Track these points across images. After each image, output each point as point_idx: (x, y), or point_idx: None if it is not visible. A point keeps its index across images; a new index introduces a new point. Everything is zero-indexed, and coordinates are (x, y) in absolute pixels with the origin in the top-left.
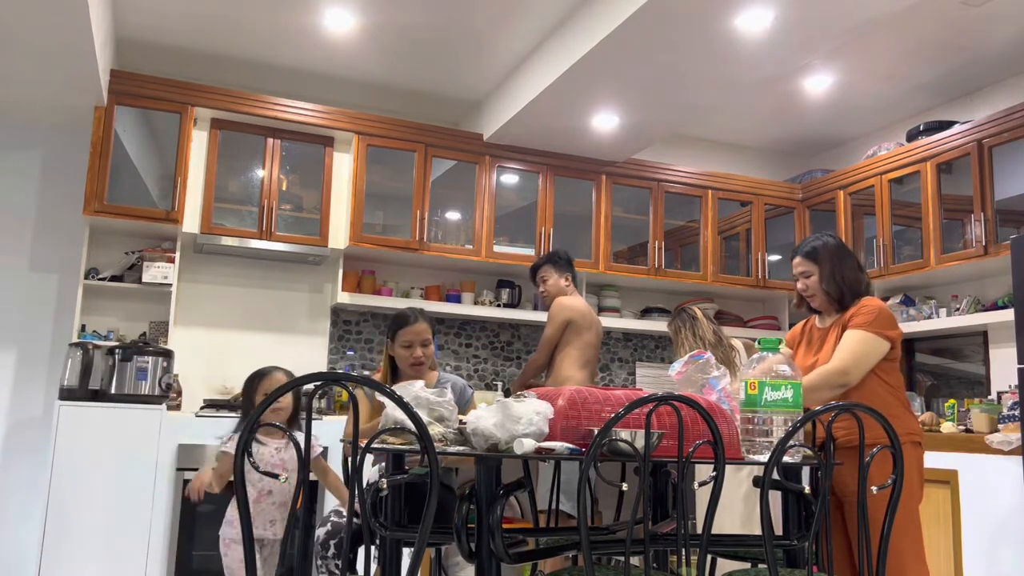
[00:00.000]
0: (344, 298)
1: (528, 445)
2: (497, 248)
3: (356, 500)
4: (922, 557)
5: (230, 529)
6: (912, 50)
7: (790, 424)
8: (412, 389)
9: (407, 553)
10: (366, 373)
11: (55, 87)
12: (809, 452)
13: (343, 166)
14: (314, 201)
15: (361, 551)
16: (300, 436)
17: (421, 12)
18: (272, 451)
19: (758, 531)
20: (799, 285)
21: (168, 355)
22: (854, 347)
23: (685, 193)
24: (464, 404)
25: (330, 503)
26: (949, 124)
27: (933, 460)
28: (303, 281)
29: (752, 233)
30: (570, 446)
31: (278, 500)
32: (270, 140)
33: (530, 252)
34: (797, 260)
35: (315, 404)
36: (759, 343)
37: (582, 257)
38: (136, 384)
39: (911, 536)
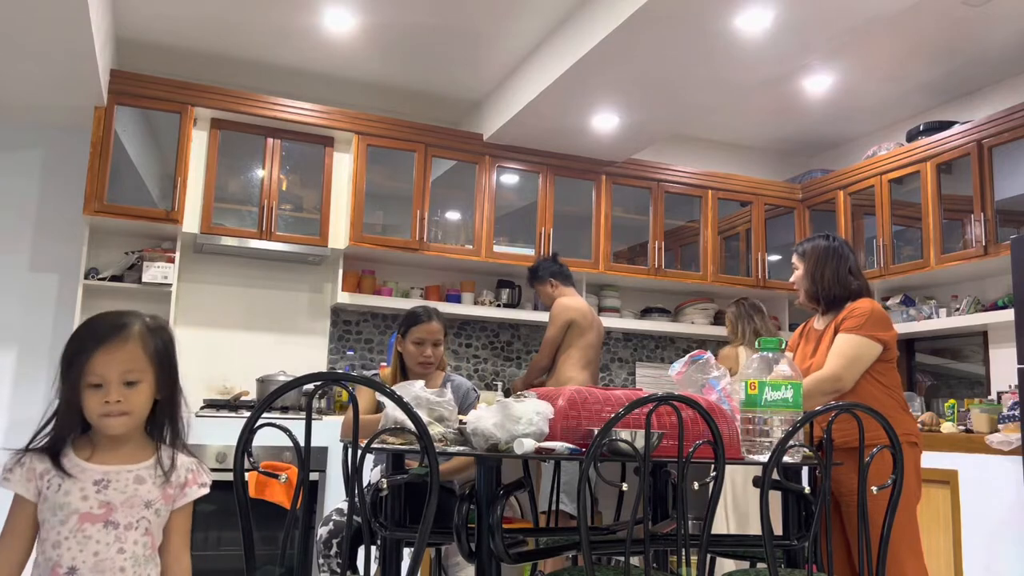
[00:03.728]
0: (344, 298)
1: (528, 445)
2: (497, 248)
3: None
4: (920, 557)
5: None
6: (912, 50)
7: (789, 424)
8: (412, 389)
9: (407, 553)
10: (366, 373)
11: (55, 87)
12: (809, 452)
13: (343, 166)
14: (314, 201)
15: (361, 551)
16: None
17: (421, 12)
18: (125, 480)
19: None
20: (791, 279)
21: None
22: (845, 352)
23: (685, 193)
24: (466, 407)
25: (331, 503)
26: (949, 124)
27: (933, 460)
28: (303, 281)
29: (752, 233)
30: (570, 446)
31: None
32: (270, 140)
33: (530, 252)
34: (793, 255)
35: (315, 404)
36: (759, 343)
37: (582, 257)
38: None
39: (909, 536)
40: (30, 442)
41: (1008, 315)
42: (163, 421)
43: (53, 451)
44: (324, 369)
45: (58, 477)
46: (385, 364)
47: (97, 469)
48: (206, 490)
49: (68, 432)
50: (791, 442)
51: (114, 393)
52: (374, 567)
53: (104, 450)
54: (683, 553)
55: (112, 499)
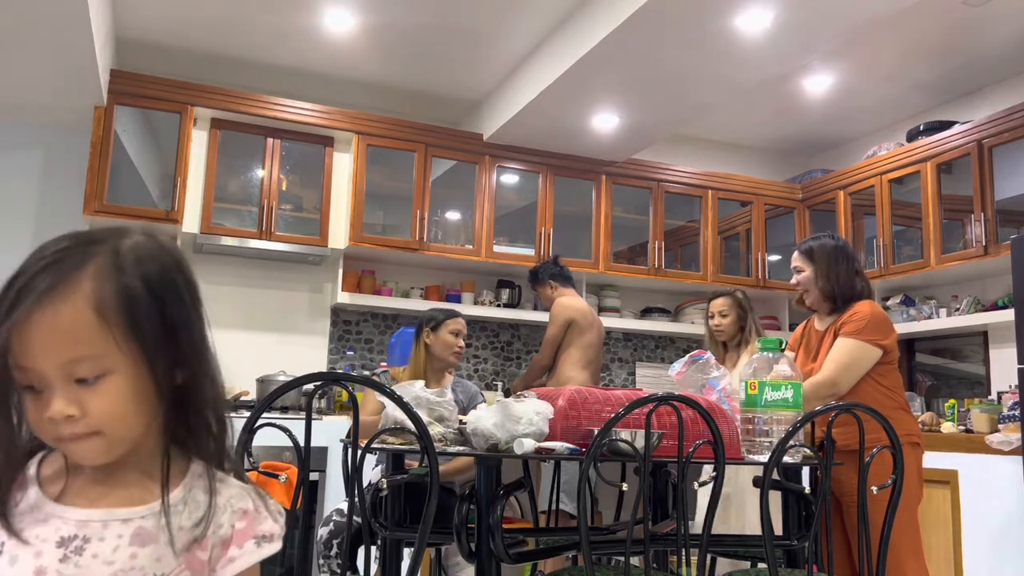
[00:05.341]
0: (344, 298)
1: (528, 445)
2: (497, 248)
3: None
4: (921, 557)
5: None
6: (912, 50)
7: (789, 424)
8: (412, 389)
9: (407, 553)
10: (375, 371)
11: (55, 87)
12: (809, 452)
13: (343, 166)
14: (314, 201)
15: (361, 551)
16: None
17: (421, 12)
18: (115, 539)
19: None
20: (792, 280)
21: None
22: (842, 357)
23: (685, 193)
24: (474, 408)
25: (331, 503)
26: (949, 124)
27: (933, 460)
28: (303, 281)
29: (752, 233)
30: (570, 446)
31: None
32: (270, 140)
33: (530, 252)
34: (794, 256)
35: (315, 404)
36: (759, 343)
37: (582, 257)
38: None
39: (910, 537)
40: None
41: (1008, 315)
42: (183, 425)
43: None
44: (324, 369)
45: None
46: (386, 364)
47: (69, 517)
48: (274, 546)
49: (13, 466)
50: (791, 442)
51: (59, 400)
52: (374, 567)
53: (88, 481)
54: (683, 553)
55: (88, 574)
